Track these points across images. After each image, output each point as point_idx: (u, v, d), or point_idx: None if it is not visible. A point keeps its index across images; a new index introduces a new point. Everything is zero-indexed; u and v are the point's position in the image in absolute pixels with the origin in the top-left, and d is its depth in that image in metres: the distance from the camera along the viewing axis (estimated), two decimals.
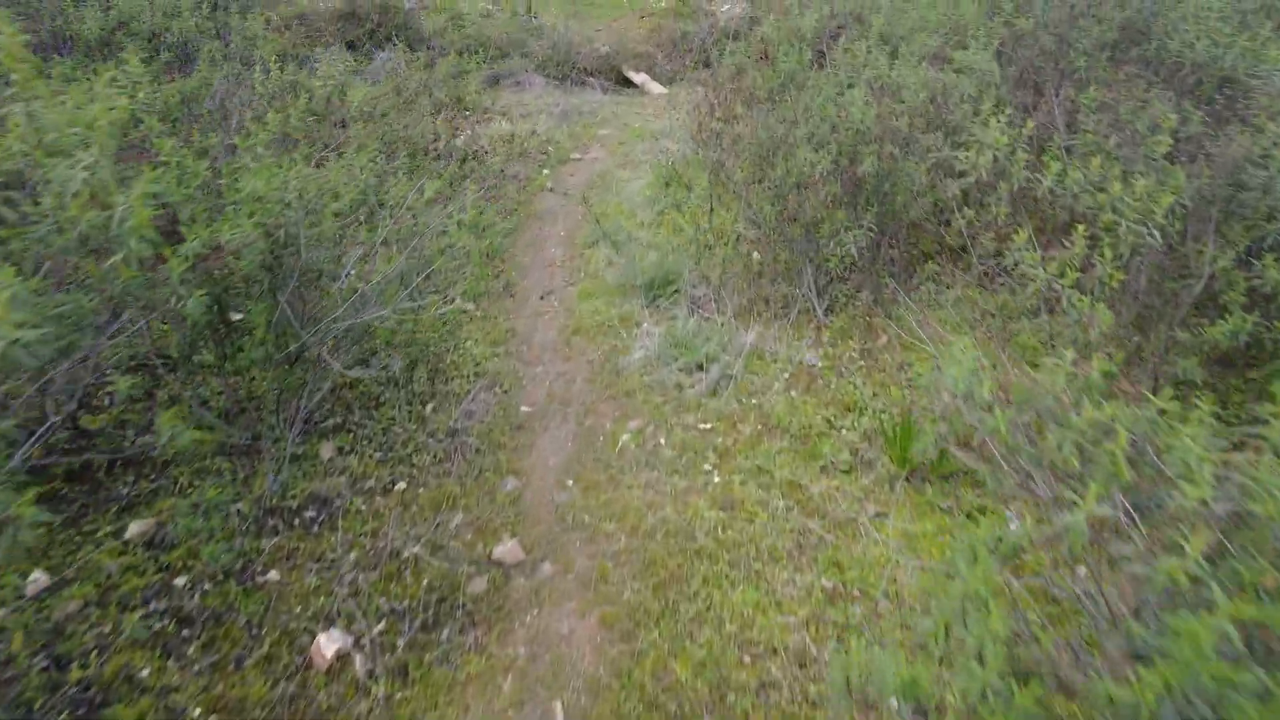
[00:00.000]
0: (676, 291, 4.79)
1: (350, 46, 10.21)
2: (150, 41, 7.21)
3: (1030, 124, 4.22)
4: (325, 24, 10.36)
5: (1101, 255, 3.46)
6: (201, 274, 3.15)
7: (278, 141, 4.99)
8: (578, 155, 7.83)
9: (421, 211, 4.23)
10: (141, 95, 4.38)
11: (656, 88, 10.87)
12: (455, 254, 4.11)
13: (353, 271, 3.89)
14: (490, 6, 13.35)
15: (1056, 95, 4.95)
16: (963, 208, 4.41)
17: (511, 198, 6.75)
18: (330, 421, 3.89)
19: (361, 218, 4.04)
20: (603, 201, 6.59)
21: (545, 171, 7.38)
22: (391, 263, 3.86)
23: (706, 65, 11.54)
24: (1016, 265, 3.67)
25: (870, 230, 4.34)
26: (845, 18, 7.98)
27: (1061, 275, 3.48)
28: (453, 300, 4.54)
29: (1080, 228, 3.51)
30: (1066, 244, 3.54)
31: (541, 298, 5.07)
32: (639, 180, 6.99)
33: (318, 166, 4.37)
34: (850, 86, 4.82)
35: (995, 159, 4.09)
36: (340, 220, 3.78)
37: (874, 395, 4.08)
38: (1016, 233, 3.67)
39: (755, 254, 4.96)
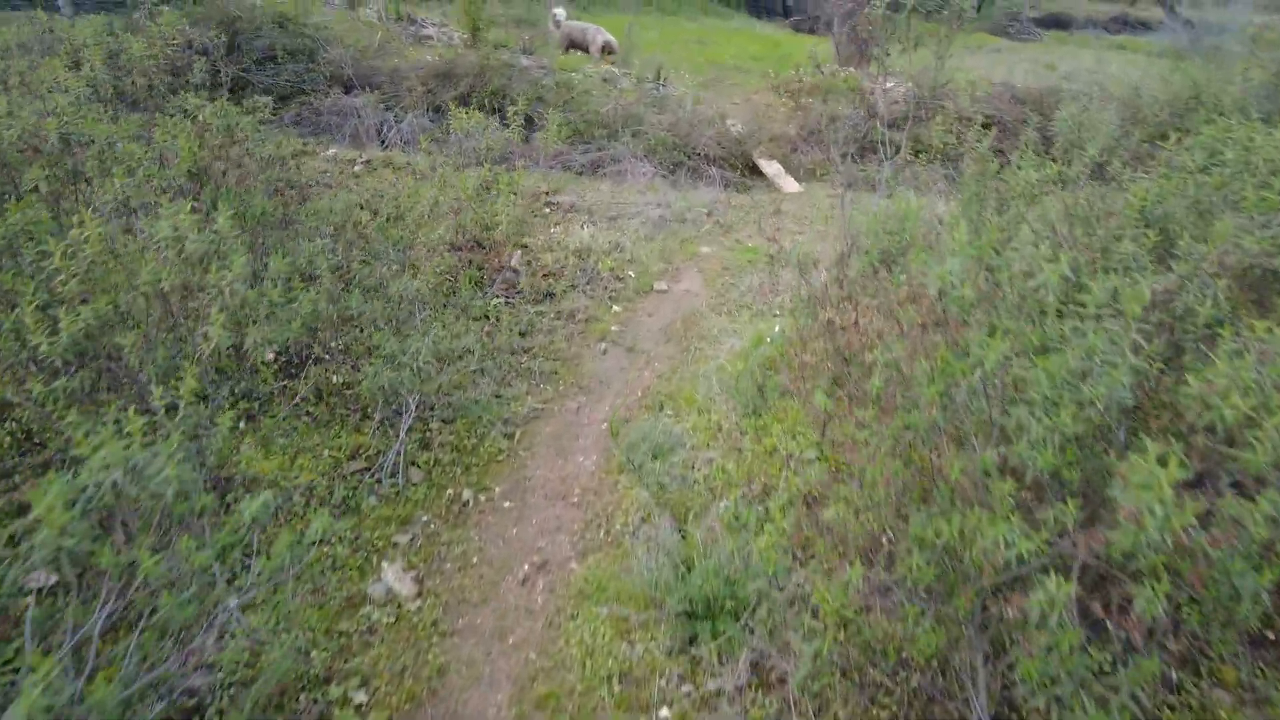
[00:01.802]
0: (736, 636, 2.69)
1: (437, 111, 8.87)
2: None
3: None
4: (417, 83, 9.11)
5: None
6: None
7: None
8: (664, 285, 5.91)
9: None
10: None
11: (790, 184, 8.86)
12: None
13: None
14: (616, 69, 11.85)
15: None
16: None
17: (558, 351, 4.91)
18: None
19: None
20: (670, 379, 4.62)
21: (614, 309, 5.50)
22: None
23: (861, 154, 9.46)
24: None
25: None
26: None
27: None
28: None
29: None
30: None
31: (523, 581, 3.13)
32: (731, 340, 4.99)
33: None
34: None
35: None
36: None
37: None
38: None
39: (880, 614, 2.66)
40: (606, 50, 12.24)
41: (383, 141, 8.48)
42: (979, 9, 33.29)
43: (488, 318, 5.08)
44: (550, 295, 5.54)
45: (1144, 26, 33.53)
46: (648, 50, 14.08)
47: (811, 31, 22.11)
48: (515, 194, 5.84)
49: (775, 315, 5.29)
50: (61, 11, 12.29)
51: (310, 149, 7.96)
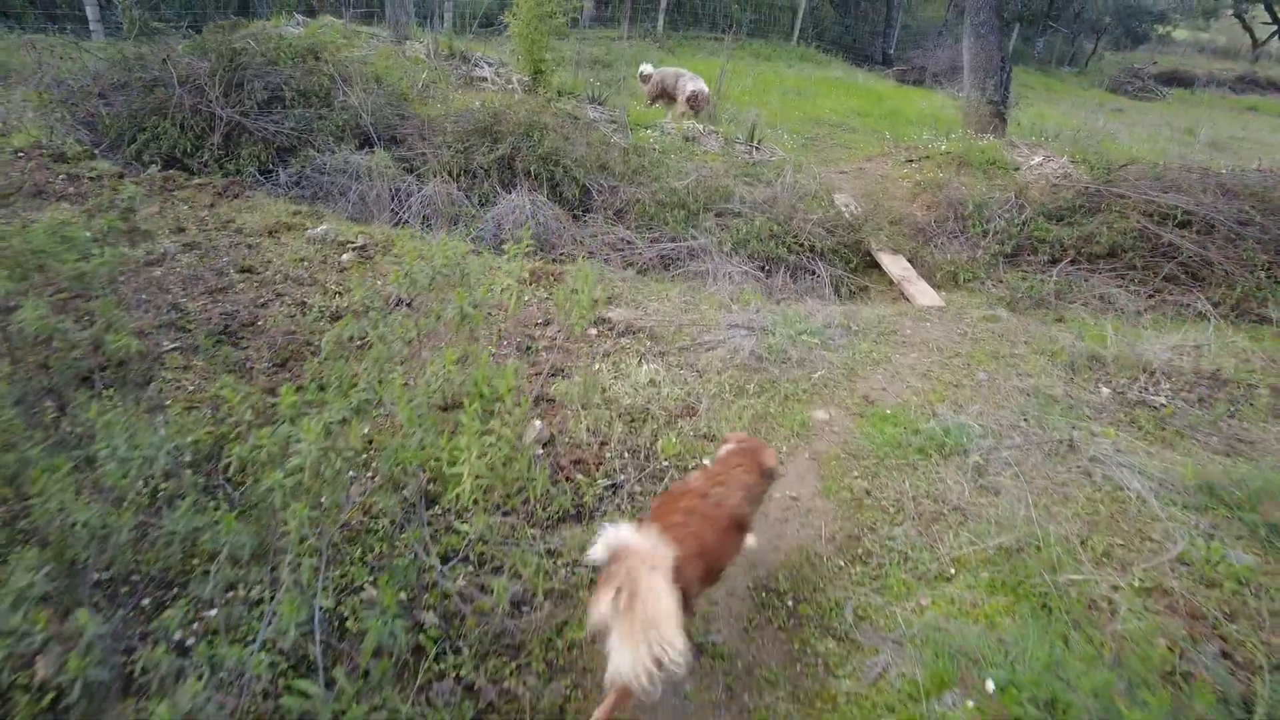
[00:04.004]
0: None
1: (471, 176, 6.98)
2: None
3: None
4: (451, 139, 7.26)
5: None
6: None
7: None
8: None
9: None
10: None
11: (925, 292, 6.61)
12: None
13: None
14: (700, 125, 9.86)
15: None
16: None
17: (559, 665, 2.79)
18: None
19: None
20: None
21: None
22: None
23: (1014, 254, 7.15)
24: None
25: None
26: None
27: None
28: None
29: None
30: None
31: None
32: (886, 655, 2.78)
33: None
34: None
35: None
36: None
37: None
38: None
39: None
40: (691, 103, 10.25)
41: (396, 213, 6.63)
42: (1087, 63, 30.58)
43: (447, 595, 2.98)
44: (578, 513, 3.43)
45: (1274, 87, 30.20)
46: (740, 102, 12.09)
47: (918, 83, 19.88)
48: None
49: (953, 579, 3.06)
50: (93, 34, 11.09)
51: (299, 222, 6.14)
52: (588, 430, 3.95)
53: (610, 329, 5.07)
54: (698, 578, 2.42)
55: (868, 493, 3.76)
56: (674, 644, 1.97)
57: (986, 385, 4.95)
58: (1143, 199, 7.20)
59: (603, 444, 3.88)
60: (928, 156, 9.43)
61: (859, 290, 6.88)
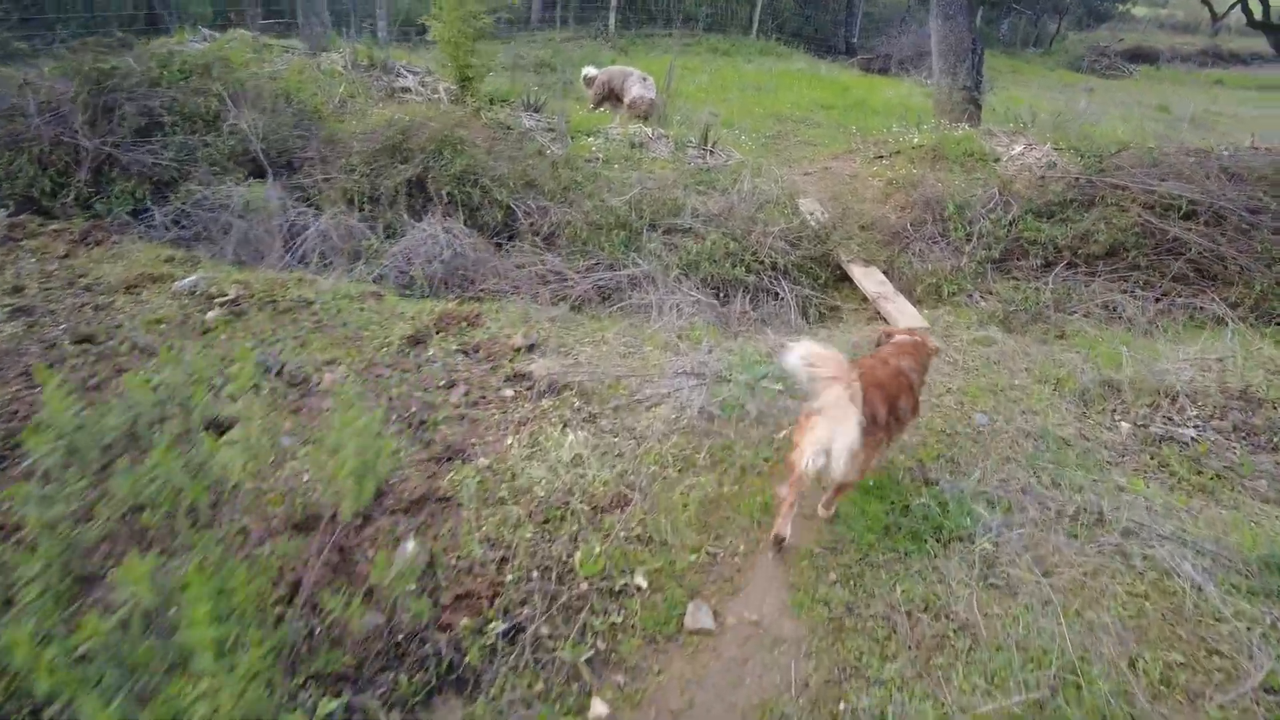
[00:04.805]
0: None
1: (375, 203, 6.04)
2: None
3: None
4: (356, 163, 6.31)
5: None
6: None
7: None
8: (705, 617, 2.84)
9: None
10: None
11: (905, 312, 5.75)
12: None
13: None
14: (649, 129, 8.96)
15: None
16: None
17: None
18: None
19: None
20: None
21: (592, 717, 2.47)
22: None
23: (1003, 259, 6.31)
24: None
25: None
26: None
27: None
28: None
29: None
30: None
31: None
32: None
33: None
34: None
35: None
36: None
37: None
38: None
39: None
40: (634, 108, 9.35)
41: (290, 251, 5.68)
42: (1051, 44, 30.06)
43: None
44: (458, 681, 2.52)
45: (1237, 59, 29.89)
46: (694, 100, 11.22)
47: (883, 71, 19.11)
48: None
49: None
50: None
51: (170, 272, 5.18)
52: (484, 541, 3.05)
53: (529, 387, 4.16)
54: (880, 404, 2.93)
55: (849, 608, 2.89)
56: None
57: (987, 432, 4.10)
58: (1141, 189, 6.39)
59: (503, 560, 2.97)
60: (899, 151, 8.59)
61: (830, 312, 6.02)
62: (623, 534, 3.14)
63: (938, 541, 3.21)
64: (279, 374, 4.14)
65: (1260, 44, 27.46)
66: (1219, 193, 6.30)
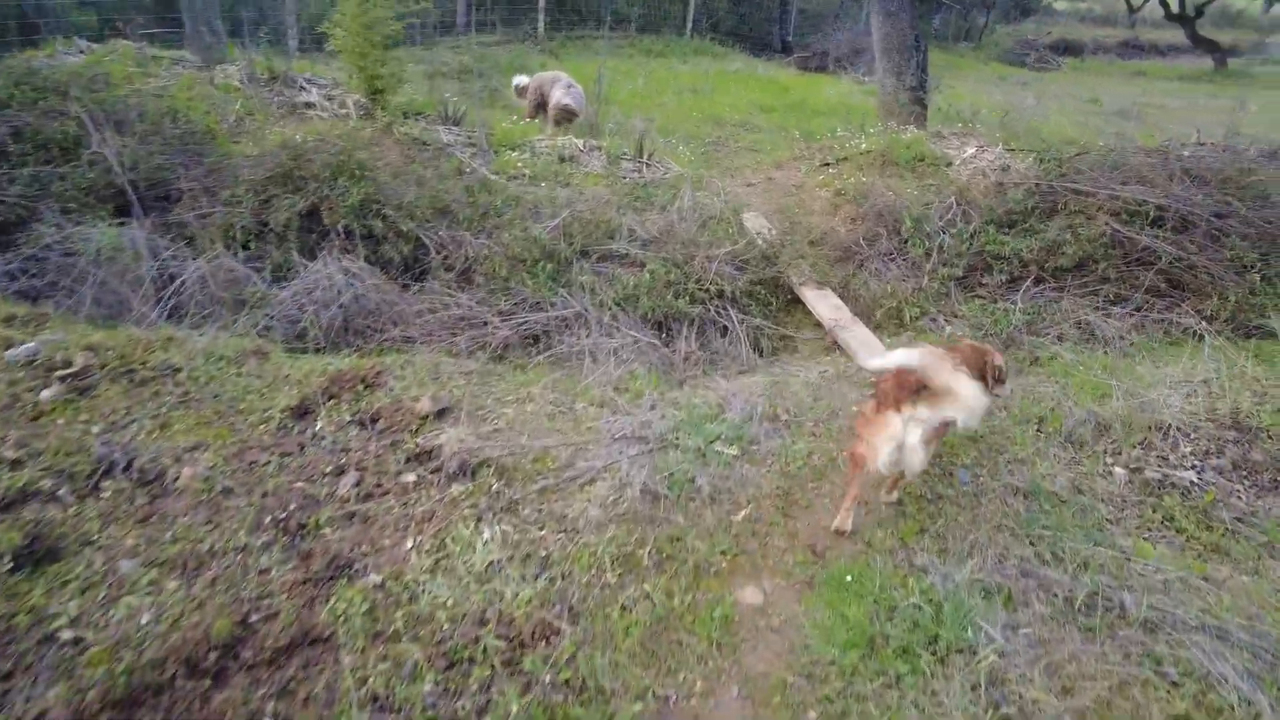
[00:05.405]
0: None
1: (263, 241, 5.25)
2: None
3: None
4: (243, 194, 5.49)
5: None
6: None
7: None
8: None
9: None
10: None
11: (867, 344, 5.20)
12: None
13: None
14: (580, 141, 8.29)
15: None
16: None
17: None
18: None
19: None
20: None
21: None
22: None
23: (965, 276, 5.82)
24: None
25: None
26: None
27: None
28: None
29: None
30: None
31: None
32: None
33: None
34: None
35: None
36: None
37: None
38: None
39: None
40: (554, 115, 8.67)
41: (160, 303, 4.86)
42: (981, 37, 30.38)
43: None
44: None
45: (1156, 50, 30.70)
46: (628, 106, 10.60)
47: (820, 69, 18.76)
48: None
49: None
50: None
51: (8, 336, 4.31)
52: (369, 703, 2.35)
53: (436, 469, 3.47)
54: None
55: None
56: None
57: (971, 492, 3.57)
58: (1105, 195, 5.99)
59: None
60: (845, 158, 8.11)
61: (783, 343, 5.45)
62: (548, 679, 2.48)
63: (933, 656, 2.64)
64: (126, 470, 3.36)
65: (1176, 36, 28.25)
66: (1184, 196, 5.92)
